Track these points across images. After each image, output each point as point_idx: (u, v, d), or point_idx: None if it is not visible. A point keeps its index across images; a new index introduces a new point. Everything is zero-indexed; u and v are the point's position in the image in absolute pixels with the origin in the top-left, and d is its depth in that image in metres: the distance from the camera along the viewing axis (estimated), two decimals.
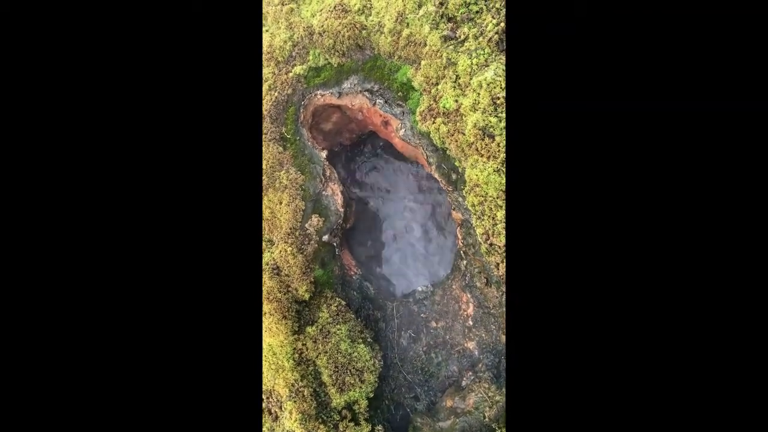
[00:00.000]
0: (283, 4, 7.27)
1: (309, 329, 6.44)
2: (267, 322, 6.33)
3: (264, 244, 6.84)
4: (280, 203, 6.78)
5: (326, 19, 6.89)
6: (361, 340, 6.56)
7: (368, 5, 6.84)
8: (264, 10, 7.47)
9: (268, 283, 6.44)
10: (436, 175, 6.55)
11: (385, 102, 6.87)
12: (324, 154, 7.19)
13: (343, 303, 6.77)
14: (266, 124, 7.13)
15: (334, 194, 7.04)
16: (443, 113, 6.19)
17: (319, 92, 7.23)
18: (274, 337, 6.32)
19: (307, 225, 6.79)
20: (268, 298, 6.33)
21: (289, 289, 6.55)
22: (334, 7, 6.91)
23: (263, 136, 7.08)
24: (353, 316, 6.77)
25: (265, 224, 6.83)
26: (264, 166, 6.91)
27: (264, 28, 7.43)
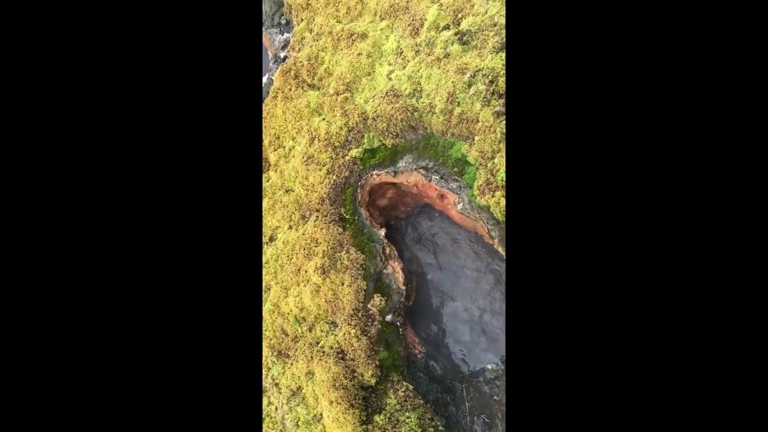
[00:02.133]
0: (338, 94, 7.78)
1: (377, 418, 6.11)
2: (334, 411, 6.10)
3: (327, 326, 6.79)
4: (342, 284, 6.79)
5: (379, 105, 7.26)
6: (432, 429, 6.11)
7: (418, 89, 7.16)
8: (320, 100, 8.03)
9: (333, 368, 6.29)
10: (500, 249, 6.35)
11: (441, 177, 6.93)
12: (383, 232, 7.24)
13: (411, 387, 6.43)
14: (326, 206, 7.37)
15: (395, 272, 6.97)
16: (502, 186, 6.12)
17: (375, 172, 7.45)
18: (342, 428, 6.04)
19: (369, 305, 6.71)
20: (334, 386, 6.15)
21: (355, 374, 6.34)
22: (386, 93, 7.29)
23: (323, 218, 7.29)
24: (422, 401, 6.39)
25: (327, 306, 6.82)
26: (325, 248, 7.04)
27: (320, 117, 7.93)
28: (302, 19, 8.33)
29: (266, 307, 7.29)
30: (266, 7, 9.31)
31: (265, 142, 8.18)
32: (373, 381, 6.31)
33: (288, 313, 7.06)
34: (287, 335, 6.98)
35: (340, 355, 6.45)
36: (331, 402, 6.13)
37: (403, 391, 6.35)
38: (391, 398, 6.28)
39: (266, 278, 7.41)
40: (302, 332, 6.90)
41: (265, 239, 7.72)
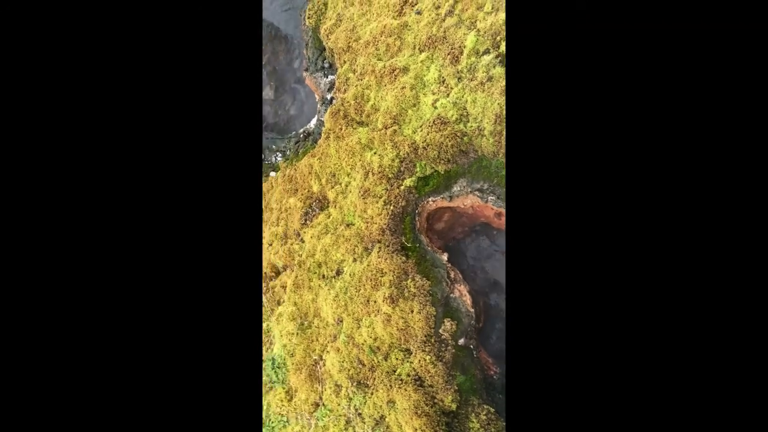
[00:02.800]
0: (386, 128, 8.12)
1: None
2: None
3: (401, 354, 6.98)
4: (412, 312, 6.98)
5: (428, 134, 7.50)
6: None
7: (465, 114, 7.34)
8: (370, 135, 8.40)
9: (413, 396, 6.45)
10: None
11: (497, 198, 7.01)
12: (445, 257, 7.40)
13: (492, 410, 6.45)
14: (387, 237, 7.64)
15: (462, 295, 7.08)
16: None
17: (430, 199, 7.66)
18: None
19: (441, 330, 6.84)
20: (416, 413, 6.30)
21: (435, 400, 6.47)
22: (433, 122, 7.53)
23: (386, 248, 7.56)
24: (504, 423, 6.38)
25: (399, 334, 7.03)
26: (391, 277, 7.29)
27: (372, 151, 8.29)
28: (345, 61, 8.81)
29: (341, 339, 7.60)
30: (308, 53, 9.92)
31: (322, 180, 8.64)
32: (453, 406, 6.40)
33: (362, 344, 7.33)
34: (364, 365, 7.24)
35: (418, 382, 6.60)
36: (415, 430, 6.27)
37: (485, 414, 6.38)
38: (473, 422, 6.32)
39: (337, 311, 7.75)
40: (378, 361, 7.13)
41: (332, 273, 8.10)
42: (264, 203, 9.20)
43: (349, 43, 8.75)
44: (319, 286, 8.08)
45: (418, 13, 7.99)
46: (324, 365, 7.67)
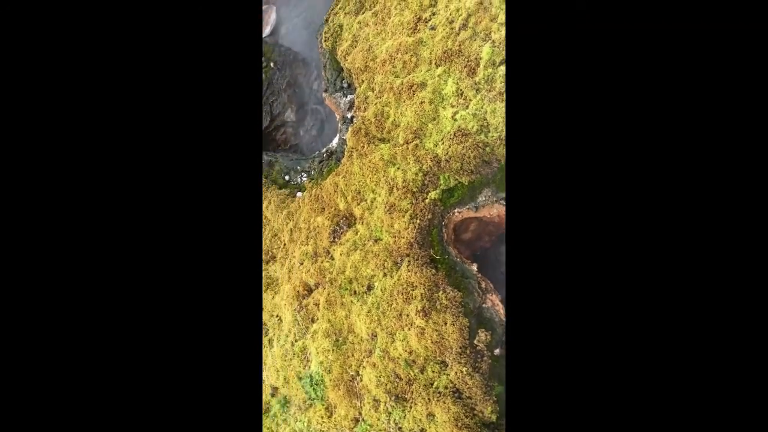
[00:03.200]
0: (407, 143, 8.26)
1: None
2: None
3: (438, 366, 7.02)
4: (445, 324, 7.03)
5: (449, 146, 7.60)
6: None
7: (485, 124, 7.41)
8: (392, 151, 8.55)
9: (452, 408, 6.48)
10: None
11: None
12: (475, 267, 7.44)
13: None
14: (415, 250, 7.74)
15: (495, 305, 7.08)
16: None
17: (456, 210, 7.73)
18: None
19: (476, 341, 6.86)
20: (457, 426, 6.32)
21: (475, 411, 6.47)
22: (454, 134, 7.63)
23: (415, 261, 7.66)
24: None
25: (434, 347, 7.08)
26: (422, 290, 7.36)
27: (395, 167, 8.43)
28: (363, 81, 9.03)
29: (376, 354, 7.71)
30: (327, 74, 10.20)
31: (348, 198, 8.83)
32: (494, 417, 6.39)
33: (398, 358, 7.40)
34: (401, 379, 7.31)
35: (456, 395, 6.63)
36: None
37: None
38: None
39: (371, 326, 7.86)
40: (415, 375, 7.19)
41: (363, 289, 8.23)
42: (292, 223, 9.46)
43: (366, 62, 8.97)
44: (351, 302, 8.22)
45: (432, 28, 8.15)
46: (361, 380, 7.78)
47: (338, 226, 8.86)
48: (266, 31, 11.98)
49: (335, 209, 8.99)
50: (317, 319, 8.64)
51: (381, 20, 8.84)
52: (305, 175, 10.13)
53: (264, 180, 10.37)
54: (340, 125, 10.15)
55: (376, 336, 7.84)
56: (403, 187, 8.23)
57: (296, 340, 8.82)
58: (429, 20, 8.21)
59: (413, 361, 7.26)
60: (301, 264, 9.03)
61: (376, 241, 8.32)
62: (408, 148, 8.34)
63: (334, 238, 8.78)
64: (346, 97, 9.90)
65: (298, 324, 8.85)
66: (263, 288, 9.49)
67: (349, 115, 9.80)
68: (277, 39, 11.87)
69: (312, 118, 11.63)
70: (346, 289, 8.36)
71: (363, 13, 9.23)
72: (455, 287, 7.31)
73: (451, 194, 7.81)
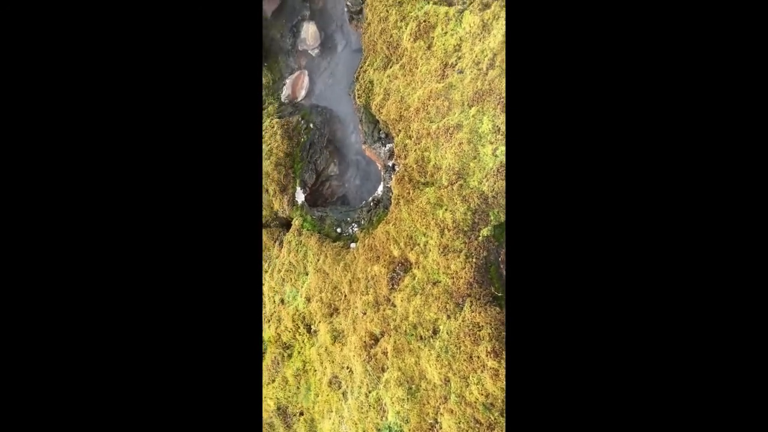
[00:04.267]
0: (452, 184, 8.42)
1: None
2: None
3: None
4: None
5: (494, 182, 7.69)
6: None
7: None
8: (438, 194, 8.74)
9: None
10: None
11: None
12: None
13: None
14: (475, 290, 7.74)
15: None
16: None
17: None
18: None
19: None
20: None
21: None
22: (497, 169, 7.71)
23: (477, 301, 7.64)
24: None
25: None
26: (489, 330, 7.30)
27: (443, 208, 8.59)
28: (400, 130, 9.40)
29: (452, 399, 7.64)
30: (364, 127, 10.70)
31: (401, 244, 9.03)
32: None
33: (475, 402, 7.30)
34: (481, 424, 7.18)
35: None
36: None
37: None
38: None
39: (442, 371, 7.85)
40: (495, 418, 7.04)
41: (428, 333, 8.28)
42: (350, 275, 9.75)
43: (400, 112, 9.36)
44: (419, 347, 8.27)
45: (460, 72, 8.43)
46: (441, 428, 7.70)
47: (395, 273, 9.04)
48: (301, 94, 12.81)
49: (390, 256, 9.20)
50: (387, 367, 8.73)
51: (409, 71, 9.25)
52: (356, 225, 10.49)
53: (317, 234, 10.83)
54: (382, 173, 10.51)
55: (449, 381, 7.79)
56: (454, 227, 8.33)
57: (370, 391, 8.91)
58: (456, 65, 8.51)
59: (491, 405, 7.13)
60: (364, 314, 9.24)
61: (434, 284, 8.40)
62: (453, 189, 8.50)
63: (392, 285, 8.96)
64: (385, 146, 10.29)
65: (369, 374, 8.97)
66: (331, 341, 9.75)
67: (390, 163, 10.15)
68: (311, 100, 12.64)
69: (354, 169, 12.12)
70: (412, 335, 8.44)
71: (391, 68, 9.71)
72: None
73: (503, 229, 7.82)
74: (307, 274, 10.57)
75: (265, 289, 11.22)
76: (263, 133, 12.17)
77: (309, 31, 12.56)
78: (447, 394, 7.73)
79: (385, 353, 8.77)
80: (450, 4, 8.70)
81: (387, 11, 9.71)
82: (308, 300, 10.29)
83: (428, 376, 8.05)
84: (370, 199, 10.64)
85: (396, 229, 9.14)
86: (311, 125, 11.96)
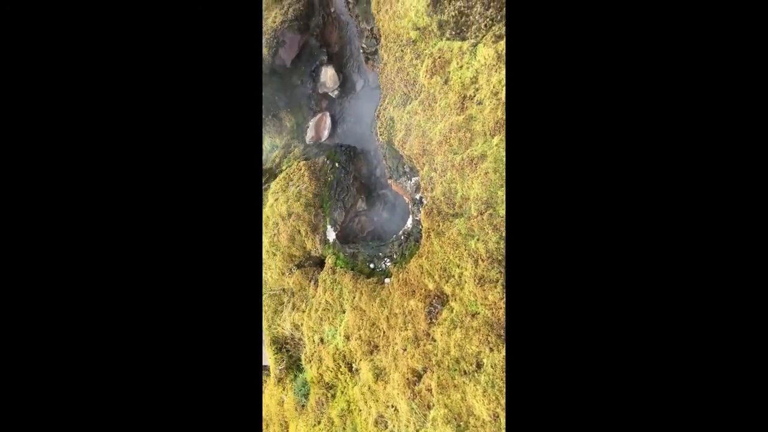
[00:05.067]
0: (481, 214, 8.41)
1: None
2: None
3: None
4: None
5: None
6: None
7: None
8: (468, 224, 8.74)
9: None
10: None
11: None
12: None
13: None
14: None
15: None
16: None
17: None
18: None
19: None
20: None
21: None
22: None
23: None
24: None
25: None
26: None
27: (474, 238, 8.56)
28: (424, 164, 9.53)
29: None
30: (388, 163, 10.90)
31: (435, 277, 9.02)
32: None
33: None
34: None
35: None
36: None
37: None
38: None
39: (490, 406, 7.65)
40: None
41: (472, 368, 8.13)
42: (387, 311, 9.76)
43: (423, 146, 9.51)
44: (464, 382, 8.12)
45: (479, 103, 8.54)
46: None
47: (432, 307, 9.00)
48: (325, 135, 13.22)
49: (425, 290, 9.19)
50: (433, 404, 8.58)
51: (428, 106, 9.45)
52: (388, 260, 10.56)
53: (350, 271, 10.95)
54: (410, 207, 10.61)
55: (498, 417, 7.58)
56: (488, 257, 8.27)
57: (417, 430, 8.76)
58: (474, 97, 8.64)
59: None
60: (405, 350, 9.18)
61: (473, 315, 8.30)
62: (483, 219, 8.48)
63: (431, 319, 8.91)
64: (411, 180, 10.43)
65: (415, 412, 8.83)
66: (374, 379, 9.70)
67: (417, 197, 10.25)
68: (335, 140, 13.02)
69: (381, 203, 12.29)
70: (455, 369, 8.31)
71: (410, 104, 9.94)
72: None
73: None
74: (344, 312, 10.65)
75: (304, 329, 11.35)
76: (291, 174, 12.58)
77: (328, 74, 13.06)
78: (497, 431, 7.51)
79: (429, 390, 8.65)
80: (463, 39, 8.91)
81: (402, 51, 10.03)
82: (347, 338, 10.33)
83: (476, 412, 7.86)
84: (401, 232, 10.73)
85: (429, 262, 9.15)
86: (337, 164, 12.28)
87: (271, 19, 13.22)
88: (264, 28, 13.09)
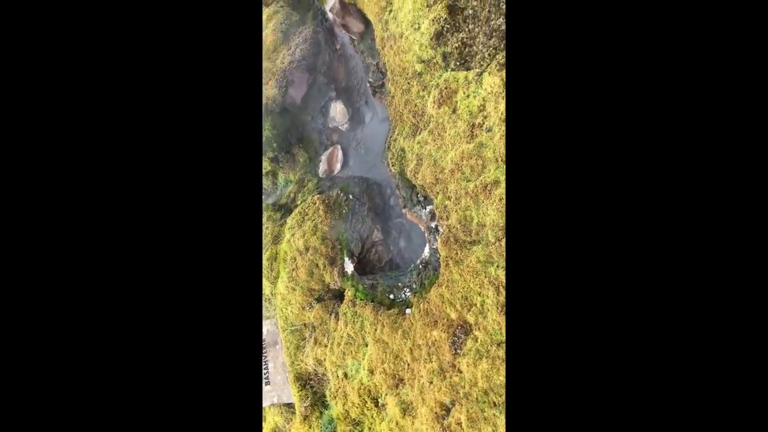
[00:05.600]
0: (499, 240, 8.35)
1: None
2: None
3: None
4: None
5: None
6: None
7: None
8: (485, 251, 8.67)
9: None
10: None
11: None
12: None
13: None
14: None
15: None
16: None
17: None
18: None
19: None
20: None
21: None
22: None
23: None
24: None
25: None
26: None
27: (494, 265, 8.48)
28: (438, 192, 9.57)
29: None
30: (402, 192, 10.98)
31: (457, 306, 8.91)
32: None
33: None
34: None
35: None
36: None
37: None
38: None
39: None
40: None
41: (502, 399, 7.91)
42: (410, 342, 9.65)
43: (436, 175, 9.57)
44: (495, 415, 7.90)
45: (489, 130, 8.61)
46: None
47: (456, 337, 8.86)
48: (337, 167, 13.42)
49: (448, 320, 9.07)
50: None
51: (438, 136, 9.55)
52: (408, 290, 10.50)
53: (371, 303, 10.90)
54: (426, 235, 10.61)
55: None
56: None
57: None
58: (482, 124, 8.72)
59: None
60: (431, 383, 9.01)
61: (498, 345, 8.13)
62: (501, 245, 8.41)
63: (455, 350, 8.76)
64: (425, 208, 10.46)
65: None
66: (401, 414, 9.50)
67: (433, 225, 10.26)
68: (348, 172, 13.20)
69: (396, 231, 12.31)
70: (485, 402, 8.10)
71: (419, 134, 10.07)
72: None
73: None
74: (366, 345, 10.55)
75: (327, 364, 11.26)
76: (306, 209, 12.74)
77: (337, 109, 13.37)
78: None
79: (459, 424, 8.42)
80: (468, 69, 9.07)
81: (408, 83, 10.23)
82: (371, 372, 10.20)
83: None
84: (419, 261, 10.69)
85: (450, 291, 9.06)
86: (350, 196, 12.41)
87: (280, 60, 13.68)
88: (273, 69, 13.54)
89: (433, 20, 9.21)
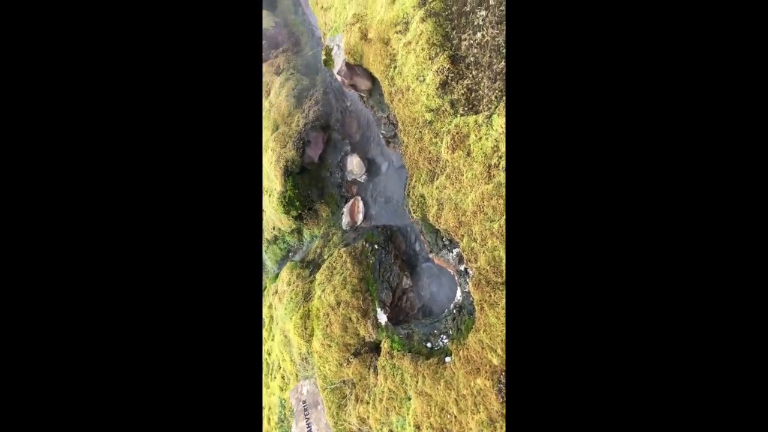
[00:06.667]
0: None
1: None
2: None
3: None
4: None
5: None
6: None
7: None
8: None
9: None
10: None
11: None
12: None
13: None
14: None
15: None
16: None
17: None
18: None
19: None
20: None
21: None
22: None
23: None
24: None
25: None
26: None
27: None
28: (463, 235, 9.54)
29: None
30: (427, 238, 10.99)
31: (498, 351, 8.62)
32: None
33: None
34: None
35: None
36: None
37: None
38: None
39: None
40: None
41: None
42: (454, 393, 9.32)
43: (459, 219, 9.58)
44: None
45: (505, 170, 8.64)
46: None
47: (501, 384, 8.52)
48: (359, 218, 13.62)
49: (490, 366, 8.76)
50: None
51: (456, 180, 9.65)
52: (445, 336, 10.27)
53: (408, 353, 10.67)
54: (457, 278, 10.48)
55: None
56: None
57: None
58: (498, 164, 8.78)
59: None
60: None
61: None
62: None
63: (502, 398, 8.40)
64: (452, 252, 10.41)
65: None
66: None
67: (462, 267, 10.15)
68: (371, 222, 13.37)
69: (426, 276, 12.21)
70: None
71: (437, 179, 10.20)
72: None
73: None
74: (409, 399, 10.24)
75: (371, 422, 10.93)
76: (333, 263, 12.85)
77: (354, 162, 13.75)
78: None
79: None
80: (476, 112, 9.27)
81: (420, 132, 10.50)
82: (418, 428, 9.83)
83: None
84: (452, 306, 10.52)
85: (488, 336, 8.81)
86: (376, 245, 12.49)
87: (295, 123, 14.33)
88: (290, 132, 14.16)
89: (436, 71, 9.56)
